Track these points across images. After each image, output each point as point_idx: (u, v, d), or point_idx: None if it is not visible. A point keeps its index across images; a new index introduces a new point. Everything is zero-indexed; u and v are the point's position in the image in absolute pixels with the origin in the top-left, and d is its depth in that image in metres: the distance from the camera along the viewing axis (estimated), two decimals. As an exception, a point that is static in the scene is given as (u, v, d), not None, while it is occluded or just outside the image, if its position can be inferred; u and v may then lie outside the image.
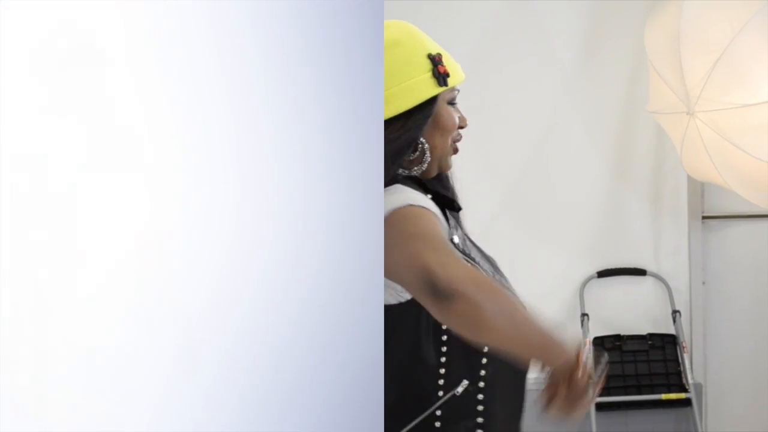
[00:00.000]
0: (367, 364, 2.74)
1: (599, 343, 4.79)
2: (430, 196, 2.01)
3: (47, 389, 2.53)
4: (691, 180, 4.85)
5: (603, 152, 4.92)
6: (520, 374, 2.05)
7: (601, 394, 4.90)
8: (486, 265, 2.05)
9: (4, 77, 1.93)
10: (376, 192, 1.92)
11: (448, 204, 2.06)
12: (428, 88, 2.00)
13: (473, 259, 2.01)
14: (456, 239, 2.00)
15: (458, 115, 2.08)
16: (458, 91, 2.08)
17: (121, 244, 2.63)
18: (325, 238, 3.64)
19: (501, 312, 1.70)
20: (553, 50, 4.83)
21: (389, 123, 1.97)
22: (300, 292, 3.64)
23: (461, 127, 2.10)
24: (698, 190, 4.95)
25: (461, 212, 2.13)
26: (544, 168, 4.79)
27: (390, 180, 1.97)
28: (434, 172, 2.08)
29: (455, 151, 2.10)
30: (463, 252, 1.99)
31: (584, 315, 4.79)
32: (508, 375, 2.01)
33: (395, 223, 1.84)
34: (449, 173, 2.16)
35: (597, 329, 4.82)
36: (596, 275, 4.91)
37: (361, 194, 2.93)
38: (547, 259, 4.86)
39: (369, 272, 2.69)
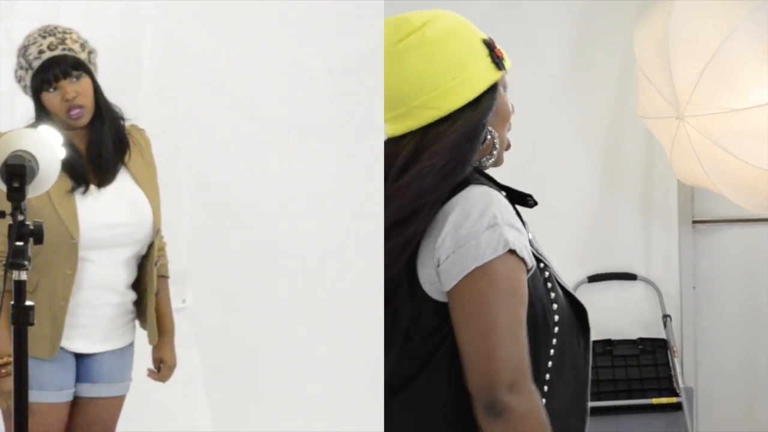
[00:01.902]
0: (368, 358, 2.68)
1: (590, 347, 4.79)
2: (504, 193, 1.95)
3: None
4: (681, 184, 4.85)
5: (593, 157, 4.92)
6: (582, 383, 2.02)
7: (592, 399, 4.92)
8: (554, 266, 2.01)
9: None
10: (377, 195, 1.90)
11: (521, 200, 2.02)
12: (490, 74, 1.94)
13: (545, 259, 1.96)
14: (530, 236, 1.95)
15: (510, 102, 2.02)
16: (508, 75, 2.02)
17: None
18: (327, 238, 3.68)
19: None
20: (542, 55, 4.83)
21: (458, 114, 1.90)
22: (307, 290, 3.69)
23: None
24: (688, 194, 4.95)
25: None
26: (534, 172, 4.77)
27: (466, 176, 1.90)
28: (491, 166, 2.02)
29: (509, 145, 2.03)
30: (537, 253, 1.94)
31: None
32: (570, 382, 1.98)
33: (494, 288, 1.81)
34: None
35: (588, 334, 4.81)
36: (587, 280, 4.91)
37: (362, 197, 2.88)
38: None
39: (369, 271, 2.65)
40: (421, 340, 1.89)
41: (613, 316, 4.93)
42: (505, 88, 2.00)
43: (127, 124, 2.80)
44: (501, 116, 1.97)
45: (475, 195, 1.87)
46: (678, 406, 4.70)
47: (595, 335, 5.12)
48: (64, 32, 2.67)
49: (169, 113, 3.45)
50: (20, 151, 1.99)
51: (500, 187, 1.97)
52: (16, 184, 1.92)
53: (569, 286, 2.03)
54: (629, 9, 4.70)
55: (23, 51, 2.65)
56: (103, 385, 2.77)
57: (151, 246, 2.77)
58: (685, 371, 4.87)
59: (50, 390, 2.62)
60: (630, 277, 4.94)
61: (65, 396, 2.68)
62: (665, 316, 4.87)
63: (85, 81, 2.65)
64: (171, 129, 3.41)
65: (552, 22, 4.82)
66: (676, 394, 4.72)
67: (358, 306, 3.40)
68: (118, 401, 2.82)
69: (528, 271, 1.88)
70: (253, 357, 3.59)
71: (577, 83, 4.86)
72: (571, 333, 1.98)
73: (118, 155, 2.74)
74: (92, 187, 2.71)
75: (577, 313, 2.02)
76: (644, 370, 4.81)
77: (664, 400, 4.71)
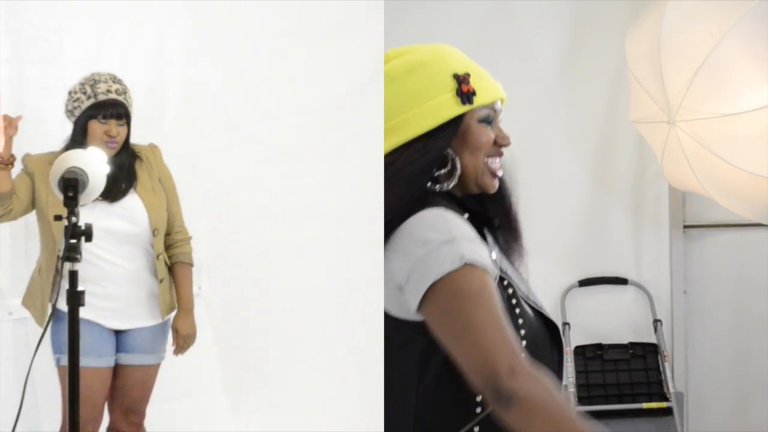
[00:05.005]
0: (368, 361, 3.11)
1: (580, 352, 4.79)
2: (467, 215, 2.00)
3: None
4: (672, 189, 4.86)
5: (584, 161, 4.92)
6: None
7: (582, 403, 4.93)
8: (522, 285, 2.05)
9: None
10: (377, 200, 1.99)
11: (487, 221, 2.06)
12: (450, 108, 2.01)
13: (509, 277, 2.01)
14: (494, 255, 1.99)
15: (496, 133, 2.07)
16: (495, 110, 2.07)
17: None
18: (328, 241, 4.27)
19: (554, 420, 1.76)
20: (534, 60, 4.83)
21: (412, 144, 1.98)
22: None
23: (502, 146, 2.08)
24: (679, 199, 4.95)
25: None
26: (525, 177, 4.75)
27: (422, 197, 1.96)
28: (474, 190, 2.07)
29: (492, 173, 2.07)
30: (501, 272, 1.98)
31: (565, 324, 4.79)
32: None
33: (458, 294, 1.83)
34: (510, 200, 2.15)
35: (578, 338, 4.81)
36: (577, 284, 4.91)
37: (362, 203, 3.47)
38: (529, 268, 4.85)
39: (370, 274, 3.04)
40: (390, 352, 1.97)
41: (604, 320, 4.94)
42: (485, 119, 2.05)
43: (146, 143, 3.46)
44: (470, 146, 2.04)
45: (429, 215, 1.92)
46: (668, 411, 4.70)
47: (585, 339, 5.17)
48: (126, 89, 3.35)
49: (188, 138, 4.13)
50: (74, 167, 2.54)
51: (464, 209, 2.02)
52: (70, 194, 2.43)
53: (540, 304, 2.05)
54: (621, 14, 4.71)
55: (92, 82, 3.29)
56: (137, 355, 3.37)
57: (155, 243, 3.36)
58: (675, 376, 4.87)
59: (92, 356, 3.20)
60: (621, 281, 4.94)
61: (105, 362, 3.30)
62: (656, 321, 4.87)
63: (125, 128, 3.33)
64: (190, 151, 4.09)
65: (544, 26, 4.83)
66: (667, 399, 4.72)
67: (347, 296, 4.29)
68: (152, 369, 3.43)
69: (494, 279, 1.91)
70: (257, 333, 4.29)
71: (569, 88, 4.86)
72: (542, 348, 2.01)
73: (128, 183, 3.34)
74: None
75: (550, 329, 2.05)
76: (635, 375, 4.81)
77: (654, 404, 4.71)
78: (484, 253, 1.90)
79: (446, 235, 1.87)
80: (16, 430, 2.67)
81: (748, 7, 3.91)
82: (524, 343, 1.95)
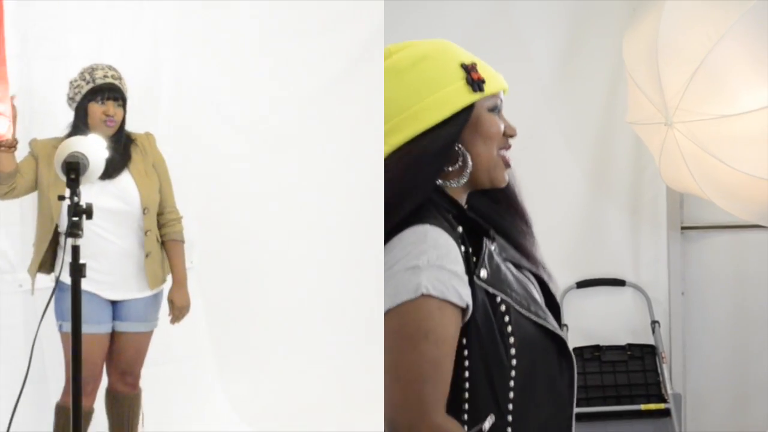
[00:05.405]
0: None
1: (578, 353, 4.79)
2: (461, 228, 1.95)
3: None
4: (670, 190, 4.86)
5: (582, 162, 4.92)
6: (561, 408, 2.00)
7: (580, 405, 4.92)
8: (526, 299, 1.99)
9: None
10: (377, 199, 1.98)
11: (485, 232, 2.02)
12: (462, 96, 1.97)
13: (504, 291, 1.94)
14: (484, 273, 1.93)
15: (504, 123, 2.04)
16: (501, 100, 2.05)
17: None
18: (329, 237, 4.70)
19: None
20: (532, 61, 4.83)
21: (424, 135, 1.94)
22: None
23: (510, 136, 2.05)
24: (677, 200, 4.95)
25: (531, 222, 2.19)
26: (523, 178, 4.76)
27: (423, 201, 1.92)
28: (485, 185, 2.04)
29: (506, 164, 2.05)
30: (493, 285, 1.93)
31: (563, 325, 4.79)
32: (543, 408, 1.96)
33: (403, 329, 1.83)
34: (514, 189, 2.15)
35: (576, 340, 4.81)
36: (575, 285, 4.91)
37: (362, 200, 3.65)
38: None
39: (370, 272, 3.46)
40: None
41: (602, 321, 4.94)
42: (494, 108, 2.02)
43: (142, 132, 3.72)
44: (483, 135, 2.00)
45: (411, 235, 1.88)
46: (666, 413, 4.70)
47: (583, 341, 5.16)
48: (121, 76, 3.62)
49: (181, 129, 4.46)
50: (76, 152, 2.82)
51: (463, 219, 1.98)
52: (72, 176, 2.70)
53: (545, 317, 2.00)
54: (618, 15, 4.71)
55: (90, 70, 3.57)
56: (131, 323, 3.64)
57: (145, 221, 3.62)
58: (673, 377, 4.87)
59: (91, 323, 3.46)
60: (619, 282, 4.94)
61: (103, 329, 3.58)
62: (654, 322, 4.87)
63: (121, 110, 3.59)
64: (182, 141, 4.41)
65: (541, 27, 4.83)
66: (665, 400, 4.72)
67: (333, 268, 4.78)
68: (145, 335, 3.71)
69: (464, 309, 1.87)
70: (241, 303, 4.72)
71: (566, 89, 4.87)
72: (542, 364, 1.96)
73: (123, 161, 3.59)
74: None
75: (557, 342, 2.00)
76: (633, 376, 4.81)
77: (652, 406, 4.72)
78: (452, 283, 1.85)
79: (414, 260, 1.84)
80: (25, 390, 2.92)
81: (745, 8, 3.91)
82: (514, 362, 1.90)
